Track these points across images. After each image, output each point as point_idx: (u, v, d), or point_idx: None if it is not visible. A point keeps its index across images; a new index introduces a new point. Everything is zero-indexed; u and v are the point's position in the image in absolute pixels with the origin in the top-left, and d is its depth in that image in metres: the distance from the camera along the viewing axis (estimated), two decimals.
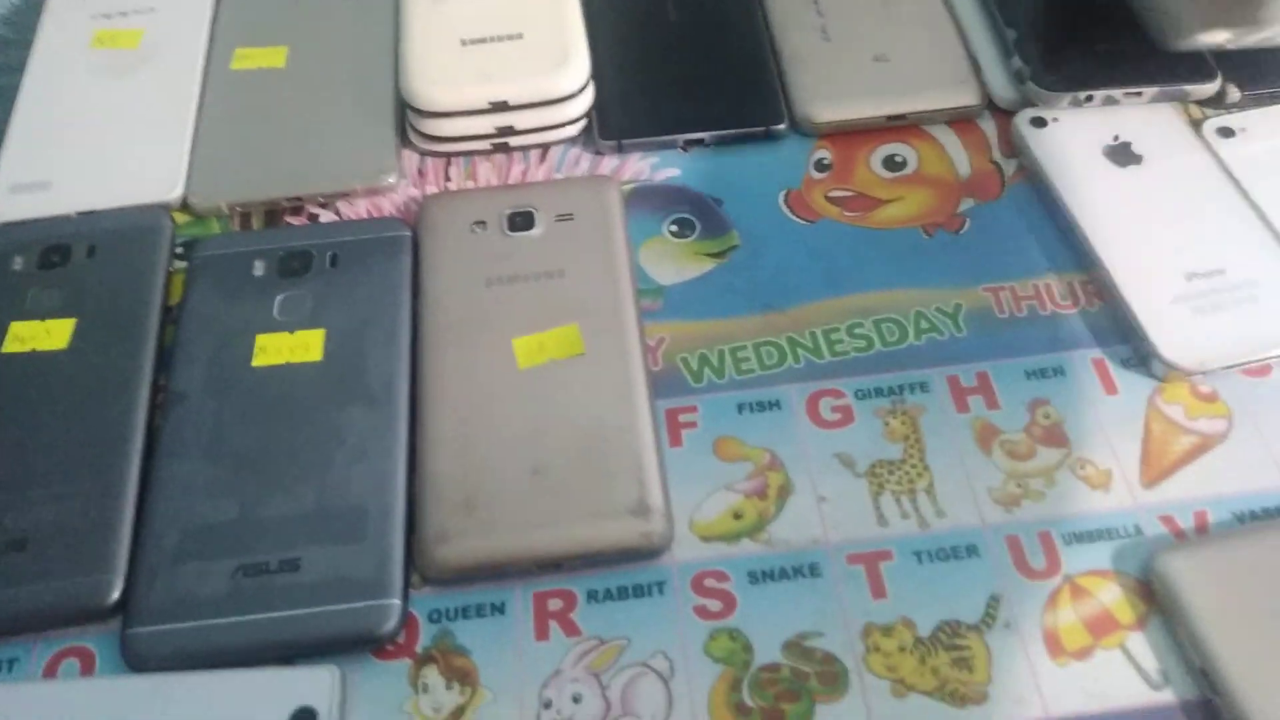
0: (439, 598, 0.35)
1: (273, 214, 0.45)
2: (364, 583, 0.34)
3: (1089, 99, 0.44)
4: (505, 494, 0.35)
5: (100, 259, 0.43)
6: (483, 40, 0.46)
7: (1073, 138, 0.44)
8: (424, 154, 0.46)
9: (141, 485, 0.37)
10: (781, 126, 0.45)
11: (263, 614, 0.33)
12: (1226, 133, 0.44)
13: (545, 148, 0.46)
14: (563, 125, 0.46)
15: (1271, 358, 0.38)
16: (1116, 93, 0.45)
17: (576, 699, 0.33)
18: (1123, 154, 0.43)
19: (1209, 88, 0.45)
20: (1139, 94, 0.45)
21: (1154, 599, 0.33)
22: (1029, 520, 0.35)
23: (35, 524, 0.36)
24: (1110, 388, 0.38)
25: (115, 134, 0.47)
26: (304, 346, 0.39)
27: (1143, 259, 0.40)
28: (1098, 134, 0.44)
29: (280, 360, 0.39)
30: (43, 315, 0.41)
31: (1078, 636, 0.33)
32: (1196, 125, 0.45)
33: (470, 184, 0.46)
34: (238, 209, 0.45)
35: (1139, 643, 0.33)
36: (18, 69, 0.50)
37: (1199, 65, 0.45)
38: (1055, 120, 0.44)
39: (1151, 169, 0.43)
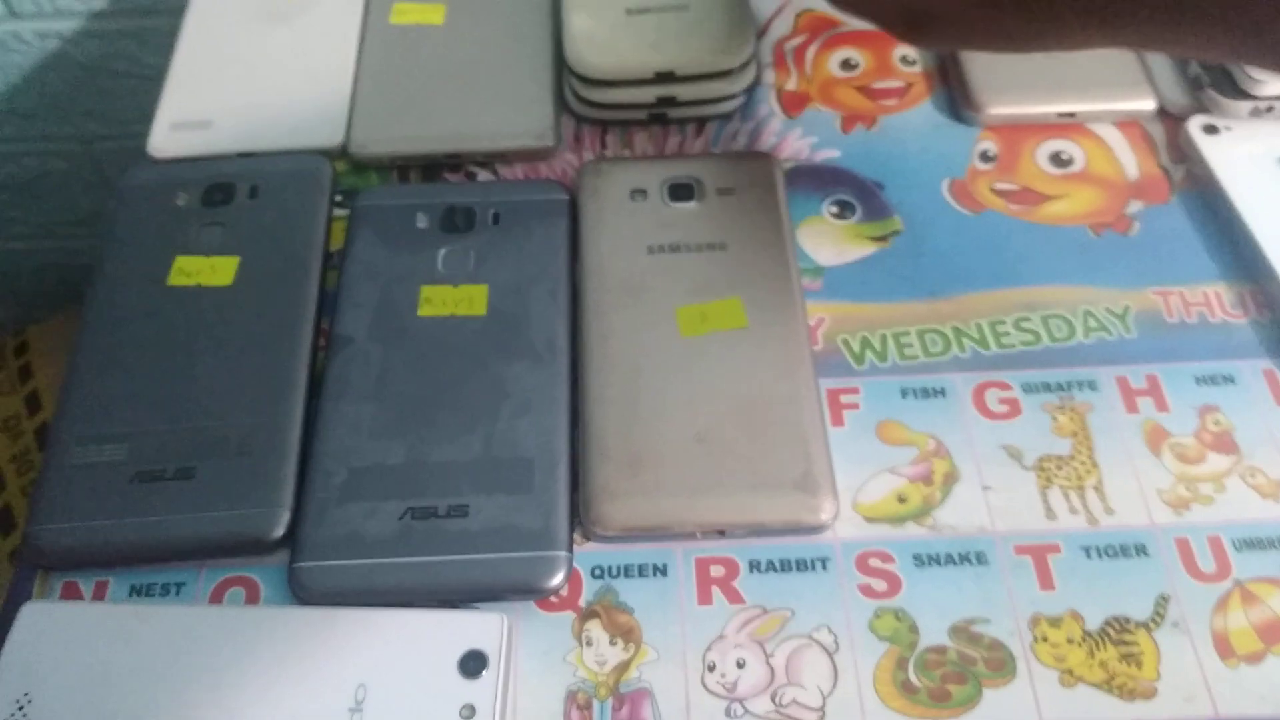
0: (602, 554, 0.35)
1: (430, 169, 0.45)
2: (531, 533, 0.34)
3: (1269, 109, 0.44)
4: (670, 457, 0.35)
5: (263, 200, 0.43)
6: (646, 9, 0.46)
7: (1246, 147, 0.43)
8: (581, 120, 0.46)
9: (307, 424, 0.37)
10: None
11: (431, 556, 0.34)
12: None
13: (703, 122, 0.46)
14: (723, 100, 0.45)
15: None
16: None
17: (740, 664, 0.33)
18: None
19: None
20: None
21: None
22: (1199, 523, 0.35)
23: (205, 454, 0.36)
24: None
25: (275, 79, 0.47)
26: (468, 300, 0.40)
27: None
28: (1271, 144, 0.43)
29: (445, 312, 0.39)
30: (207, 251, 0.41)
31: (1249, 641, 0.33)
32: None
33: (626, 152, 0.46)
34: (397, 161, 0.45)
35: None
36: (174, 11, 0.51)
37: None
38: (1228, 128, 0.44)
39: None
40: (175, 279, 0.41)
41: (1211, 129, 0.44)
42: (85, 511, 0.35)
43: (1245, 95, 0.43)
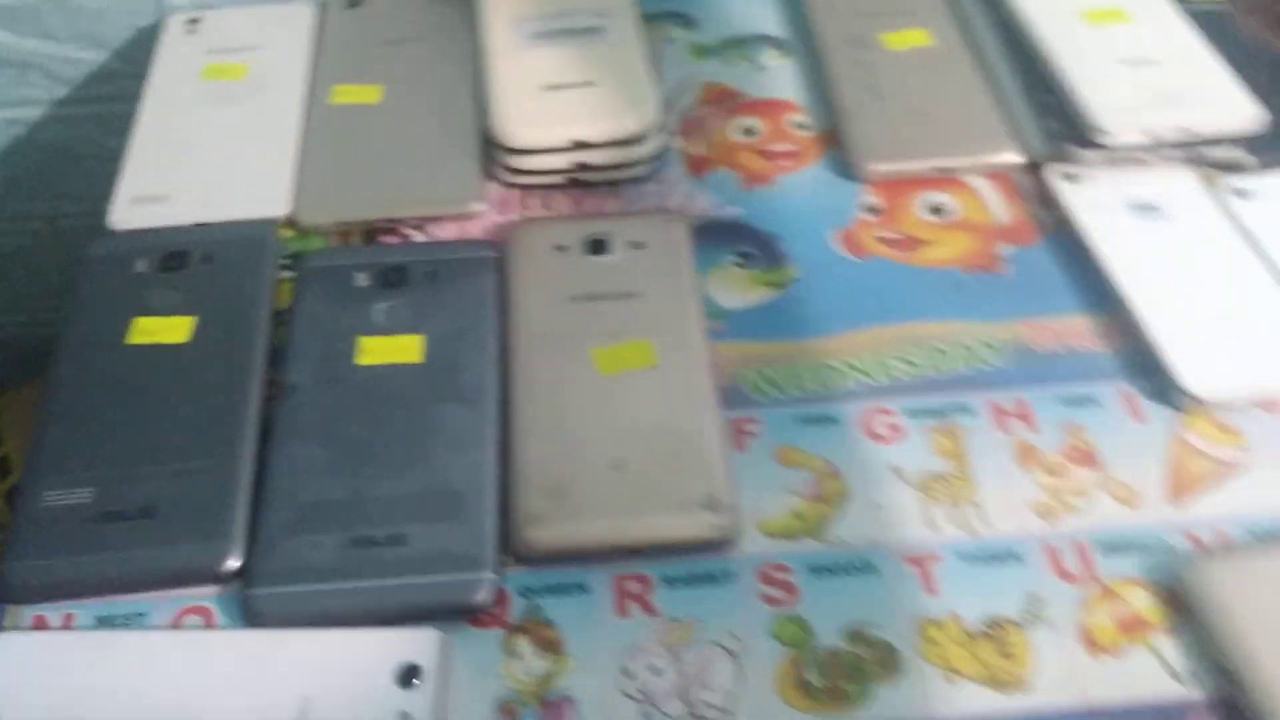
0: (528, 576, 0.38)
1: (369, 234, 0.49)
2: (462, 557, 0.37)
3: (1118, 158, 0.49)
4: (589, 485, 0.39)
5: (215, 265, 0.47)
6: (561, 86, 0.51)
7: (1101, 193, 0.48)
8: (507, 185, 0.51)
9: (258, 465, 0.40)
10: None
11: (371, 581, 0.37)
12: (1241, 194, 0.48)
13: (616, 184, 0.51)
14: (634, 164, 0.50)
15: None
16: (1144, 154, 0.49)
17: (655, 671, 0.36)
18: (1147, 209, 0.48)
19: (1229, 154, 0.50)
20: (1162, 155, 0.49)
21: (1181, 605, 0.37)
22: (1065, 531, 0.39)
23: (162, 495, 0.39)
24: (1138, 417, 0.42)
25: (226, 156, 0.51)
26: (404, 349, 0.43)
27: (1166, 301, 0.44)
28: (1124, 190, 0.48)
29: (383, 359, 0.43)
30: (165, 312, 0.45)
31: (1111, 635, 0.36)
32: (1213, 187, 0.49)
33: (548, 213, 0.50)
34: (339, 227, 0.49)
35: (1167, 643, 0.36)
36: (129, 98, 0.55)
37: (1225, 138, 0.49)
38: (1086, 177, 0.49)
39: (1173, 223, 0.47)
40: (135, 338, 0.44)
41: (1070, 177, 0.49)
42: (54, 549, 0.38)
43: (1095, 145, 0.49)
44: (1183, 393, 0.42)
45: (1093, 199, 0.48)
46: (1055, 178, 0.49)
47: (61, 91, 0.67)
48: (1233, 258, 0.46)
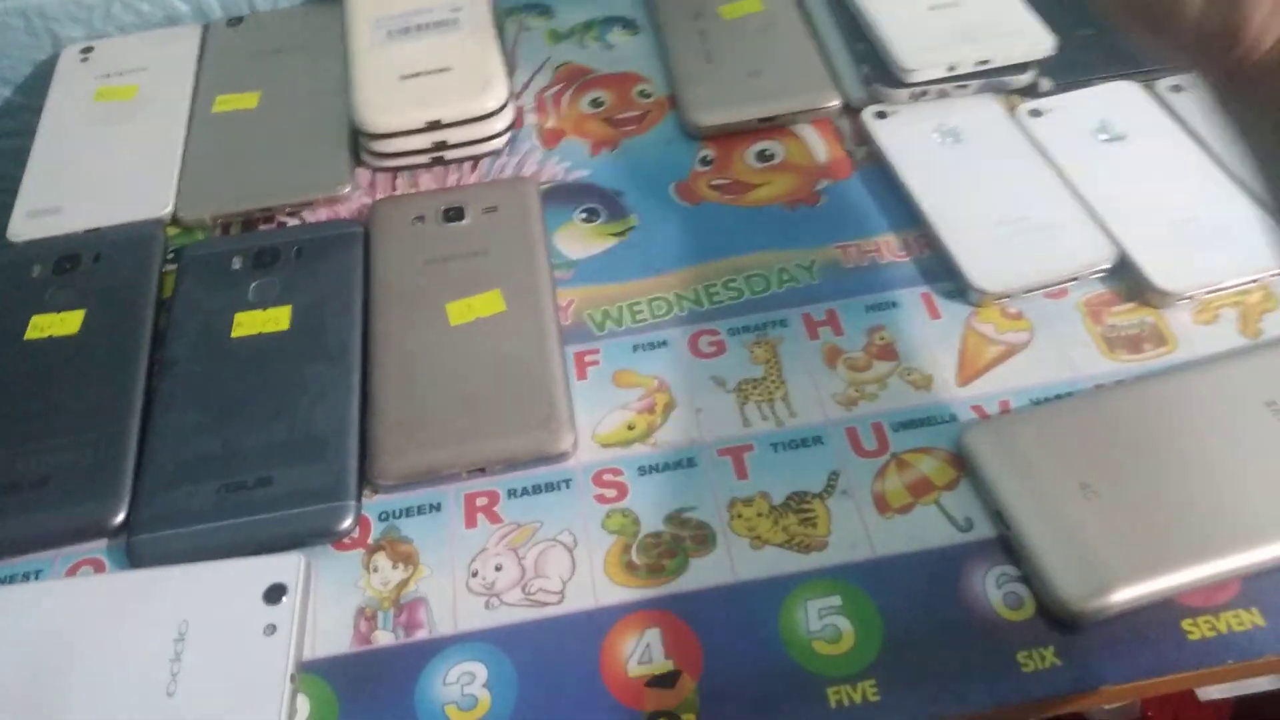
0: (386, 502, 0.42)
1: (249, 223, 0.54)
2: (325, 490, 0.42)
3: (924, 94, 0.54)
4: (439, 418, 0.43)
5: (105, 263, 0.51)
6: (417, 74, 0.56)
7: (909, 126, 0.53)
8: (375, 170, 0.55)
9: (142, 433, 0.45)
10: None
11: (242, 518, 0.41)
12: (1035, 114, 0.53)
13: (476, 160, 0.55)
14: (489, 139, 0.55)
15: (1066, 282, 0.47)
16: (948, 87, 0.54)
17: (498, 568, 0.40)
18: (949, 135, 0.52)
19: (1023, 79, 0.54)
20: (965, 87, 0.54)
21: (962, 465, 0.41)
22: (864, 415, 0.43)
23: (56, 465, 0.43)
24: (934, 314, 0.46)
25: (115, 167, 0.56)
26: (274, 320, 0.48)
27: (960, 213, 0.49)
28: (930, 122, 0.53)
29: (254, 331, 0.47)
30: (58, 309, 0.49)
31: (901, 497, 0.41)
32: (1012, 110, 0.54)
33: (413, 190, 0.54)
34: (220, 220, 0.54)
35: (950, 499, 0.41)
36: (30, 132, 0.59)
37: (1021, 65, 0.54)
38: (895, 113, 0.54)
39: (971, 145, 0.52)
40: (31, 334, 0.48)
41: (881, 115, 0.54)
42: None
43: (901, 84, 0.53)
44: (974, 289, 0.46)
45: (901, 132, 0.53)
46: (868, 116, 0.54)
47: None
48: (1023, 169, 0.51)
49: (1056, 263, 0.47)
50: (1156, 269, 0.46)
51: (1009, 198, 0.49)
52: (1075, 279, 0.47)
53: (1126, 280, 0.47)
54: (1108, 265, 0.47)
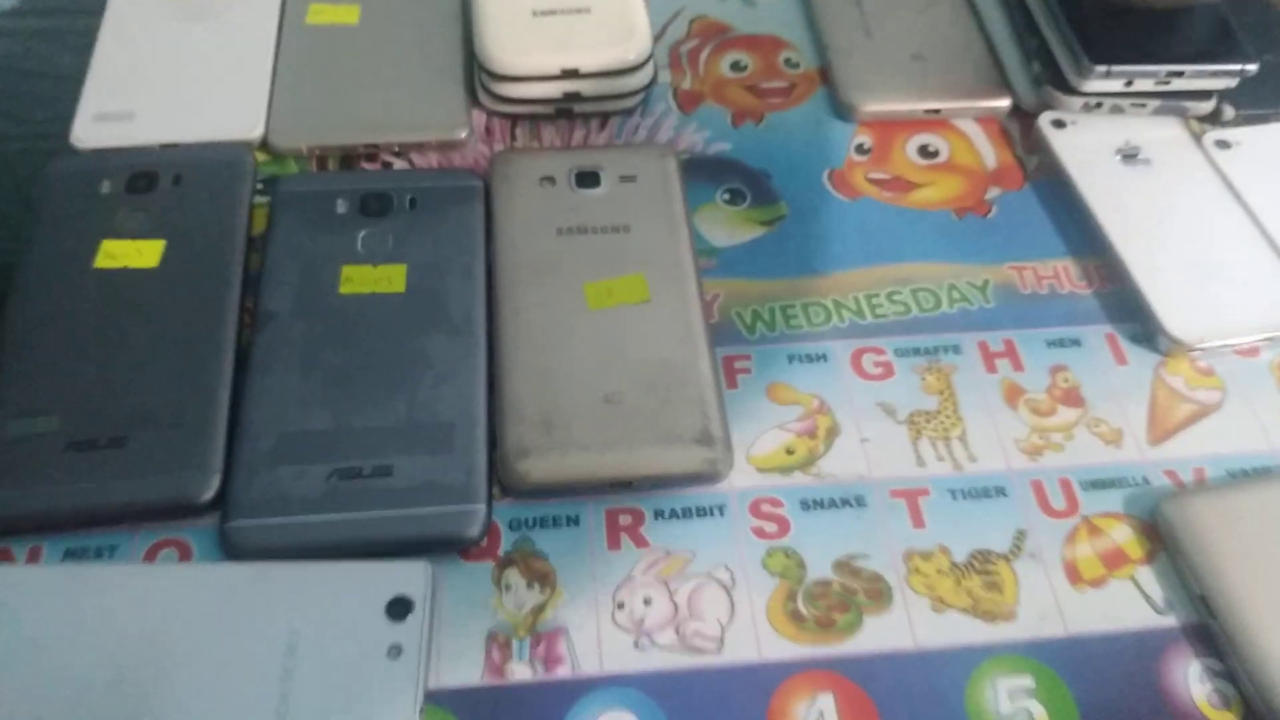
0: (519, 508, 0.38)
1: (348, 159, 0.48)
2: (452, 489, 0.37)
3: (1098, 105, 0.49)
4: (580, 418, 0.38)
5: (185, 187, 0.45)
6: (553, 11, 0.49)
7: (1088, 139, 0.48)
8: (492, 114, 0.49)
9: (234, 395, 0.39)
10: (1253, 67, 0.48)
11: (356, 513, 0.36)
12: (1223, 145, 0.49)
13: (606, 117, 0.50)
14: (625, 96, 0.49)
15: (1260, 341, 0.43)
16: (1123, 103, 0.49)
17: (647, 601, 0.36)
18: (1133, 157, 0.48)
19: (1206, 106, 0.50)
20: (1143, 105, 0.50)
21: (1160, 538, 0.38)
22: (1050, 468, 0.39)
23: (133, 424, 0.38)
24: (1121, 359, 0.43)
25: (195, 74, 0.49)
26: (387, 279, 0.42)
27: (1151, 248, 0.44)
28: (1110, 137, 0.49)
29: (365, 289, 0.42)
30: (133, 235, 0.43)
31: (1094, 568, 0.37)
32: (1197, 137, 0.49)
33: (535, 144, 0.49)
34: (316, 151, 0.47)
35: (1147, 575, 0.37)
36: (94, 11, 0.52)
37: (1202, 91, 0.50)
38: (1074, 123, 0.49)
39: (1158, 171, 0.47)
40: (102, 261, 0.42)
41: (1059, 123, 0.49)
42: (18, 480, 0.36)
43: (1075, 92, 0.49)
44: (1166, 337, 0.42)
45: (1081, 145, 0.48)
46: (1045, 124, 0.49)
47: (8, 2, 0.63)
48: (1215, 207, 0.46)
49: (1251, 317, 0.43)
50: None
51: (1201, 237, 0.45)
52: (1270, 338, 0.43)
53: None
54: None
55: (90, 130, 0.47)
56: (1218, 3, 0.50)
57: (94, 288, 0.41)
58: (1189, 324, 0.42)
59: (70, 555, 0.36)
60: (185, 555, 0.36)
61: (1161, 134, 0.49)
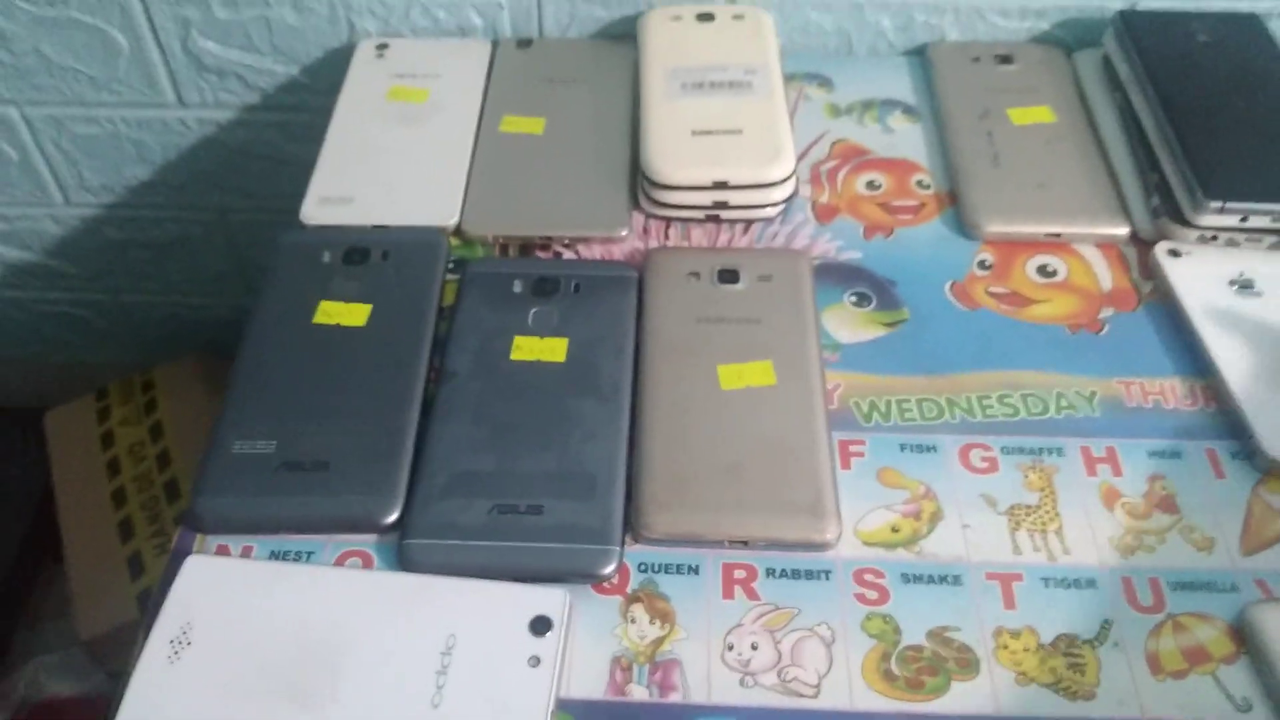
0: (648, 553, 0.43)
1: (526, 248, 0.55)
2: (591, 530, 0.43)
3: (1214, 238, 0.53)
4: (707, 481, 0.44)
5: (391, 262, 0.53)
6: (709, 131, 0.57)
7: (1203, 269, 0.52)
8: (650, 216, 0.56)
9: (419, 438, 0.46)
10: None
11: (511, 542, 0.42)
12: None
13: (749, 223, 0.56)
14: (767, 206, 0.55)
15: None
16: (1239, 236, 0.53)
17: (754, 647, 0.40)
18: (1245, 287, 0.51)
19: None
20: (1259, 240, 0.53)
21: (1243, 641, 0.40)
22: (1142, 567, 0.42)
23: (336, 452, 0.45)
24: (1219, 473, 0.45)
25: (405, 169, 0.58)
26: (551, 349, 0.49)
27: (1255, 372, 0.47)
28: (1224, 268, 0.52)
29: (532, 357, 0.49)
30: (346, 299, 0.51)
31: (1176, 660, 0.40)
32: None
33: (685, 244, 0.55)
34: (500, 240, 0.55)
35: (1229, 674, 0.39)
36: (312, 110, 0.62)
37: None
38: (1189, 253, 0.52)
39: (1268, 302, 0.50)
40: (319, 318, 0.51)
41: (1175, 253, 0.52)
42: (239, 490, 0.44)
43: (1190, 225, 0.52)
44: (1264, 456, 0.45)
45: (1194, 274, 0.51)
46: (1161, 253, 0.53)
47: (252, 98, 0.75)
48: None
49: None
50: None
51: None
52: None
53: None
54: None
55: (316, 209, 0.56)
56: None
57: (311, 340, 0.50)
58: None
59: (275, 556, 0.43)
60: (368, 564, 0.43)
61: (1275, 266, 0.52)
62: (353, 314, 0.51)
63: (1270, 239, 0.53)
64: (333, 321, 0.51)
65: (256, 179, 0.81)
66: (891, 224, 0.56)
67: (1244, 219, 0.52)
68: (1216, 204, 0.51)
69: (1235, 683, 0.39)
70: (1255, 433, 0.45)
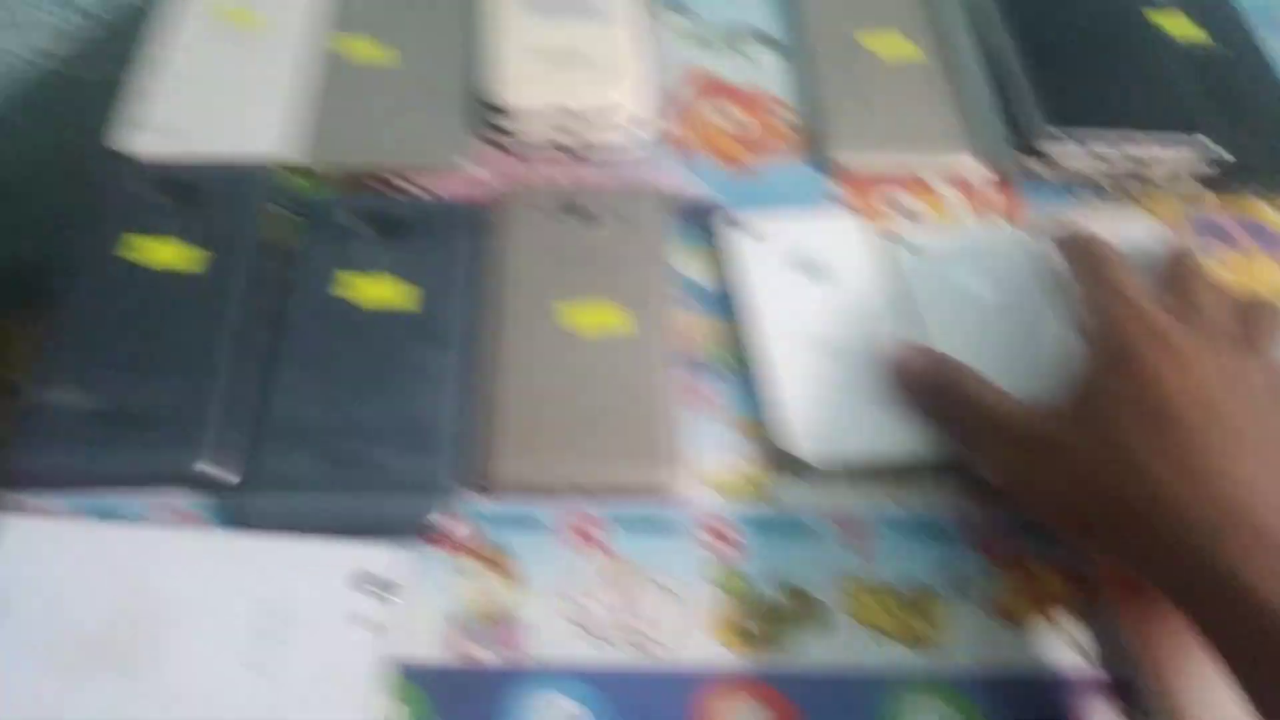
0: (487, 507, 0.41)
1: (364, 183, 0.52)
2: (423, 480, 0.41)
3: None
4: (557, 430, 0.42)
5: (219, 198, 0.49)
6: (558, 55, 0.54)
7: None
8: (495, 146, 0.53)
9: (246, 386, 0.43)
10: None
11: (341, 494, 0.40)
12: None
13: (600, 156, 0.54)
14: (621, 137, 0.53)
15: None
16: (1098, 169, 0.53)
17: (598, 600, 0.39)
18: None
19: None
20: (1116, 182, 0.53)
21: None
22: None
23: (152, 401, 0.42)
24: None
25: (230, 95, 0.53)
26: (393, 293, 0.46)
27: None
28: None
29: (374, 300, 0.46)
30: (165, 235, 0.47)
31: (1024, 607, 0.40)
32: None
33: (537, 181, 0.53)
34: (337, 173, 0.51)
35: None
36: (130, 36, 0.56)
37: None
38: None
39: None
40: (138, 258, 0.46)
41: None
42: (50, 444, 0.41)
43: (1037, 154, 0.52)
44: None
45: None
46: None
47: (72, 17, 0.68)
48: None
49: None
50: None
51: None
52: None
53: None
54: None
55: (132, 138, 0.51)
56: None
57: (131, 283, 0.46)
58: None
59: (103, 516, 0.40)
60: (198, 523, 0.40)
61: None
62: (174, 253, 0.47)
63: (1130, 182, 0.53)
64: (154, 261, 0.46)
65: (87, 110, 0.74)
66: (750, 159, 0.55)
67: (1083, 145, 0.52)
68: (1056, 129, 0.51)
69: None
70: None
